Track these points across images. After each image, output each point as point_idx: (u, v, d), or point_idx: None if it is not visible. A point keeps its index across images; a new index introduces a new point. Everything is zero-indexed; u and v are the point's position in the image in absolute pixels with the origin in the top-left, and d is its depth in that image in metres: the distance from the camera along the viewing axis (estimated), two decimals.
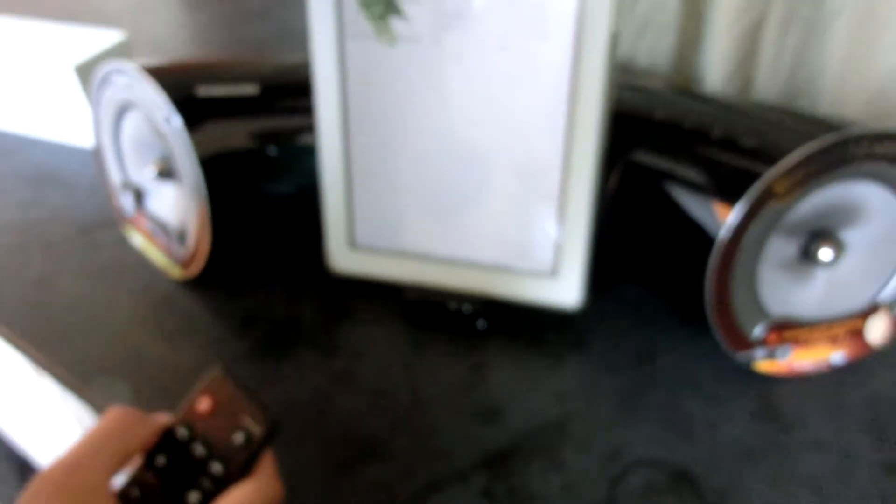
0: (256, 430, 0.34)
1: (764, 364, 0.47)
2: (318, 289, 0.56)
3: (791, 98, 0.80)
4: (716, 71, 0.84)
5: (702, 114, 0.50)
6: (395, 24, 0.45)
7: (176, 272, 0.57)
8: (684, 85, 0.88)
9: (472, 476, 0.43)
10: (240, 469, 0.34)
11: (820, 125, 0.44)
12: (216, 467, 0.34)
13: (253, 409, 0.34)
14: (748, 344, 0.46)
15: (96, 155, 0.61)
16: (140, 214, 0.59)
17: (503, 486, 0.43)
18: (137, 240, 0.61)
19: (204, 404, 0.35)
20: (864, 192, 0.44)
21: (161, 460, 0.34)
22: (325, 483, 0.43)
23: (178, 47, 1.00)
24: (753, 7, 0.77)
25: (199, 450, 0.34)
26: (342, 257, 0.54)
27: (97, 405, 0.50)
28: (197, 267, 0.55)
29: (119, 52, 0.74)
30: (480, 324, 0.52)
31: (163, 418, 0.36)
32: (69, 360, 0.52)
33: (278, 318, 0.55)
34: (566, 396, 0.48)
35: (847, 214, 0.45)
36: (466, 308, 0.52)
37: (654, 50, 0.89)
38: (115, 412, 0.34)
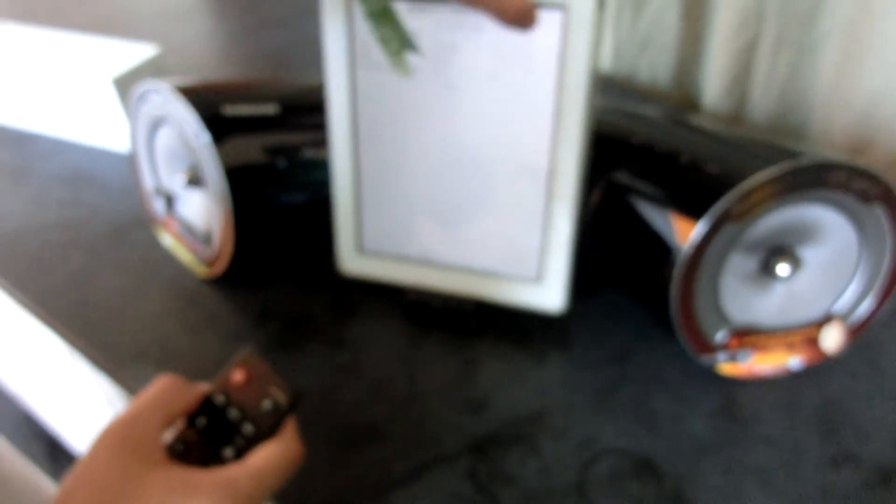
0: (282, 398, 0.40)
1: (726, 367, 0.52)
2: (329, 289, 0.62)
3: (783, 114, 0.84)
4: (713, 87, 0.88)
5: (675, 141, 0.55)
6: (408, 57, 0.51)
7: (201, 270, 0.63)
8: (681, 103, 0.93)
9: (459, 459, 0.49)
10: (268, 431, 0.39)
11: (783, 155, 0.48)
12: (248, 428, 0.39)
13: (280, 382, 0.40)
14: (711, 348, 0.51)
15: (132, 162, 0.67)
16: (170, 217, 0.65)
17: (486, 468, 0.48)
18: (167, 240, 0.67)
19: (238, 376, 0.40)
20: (818, 215, 0.49)
21: (201, 422, 0.40)
22: (331, 461, 0.49)
23: (205, 55, 1.06)
24: (748, 28, 0.81)
25: (233, 413, 0.40)
26: (350, 261, 0.60)
27: (128, 387, 0.56)
28: (221, 266, 0.61)
29: (153, 64, 0.80)
30: (473, 323, 0.57)
31: (203, 387, 0.41)
32: (103, 346, 0.58)
33: (292, 314, 0.60)
34: (547, 391, 0.53)
35: (804, 234, 0.50)
36: (461, 309, 0.57)
37: (655, 66, 0.94)
38: (164, 380, 0.40)
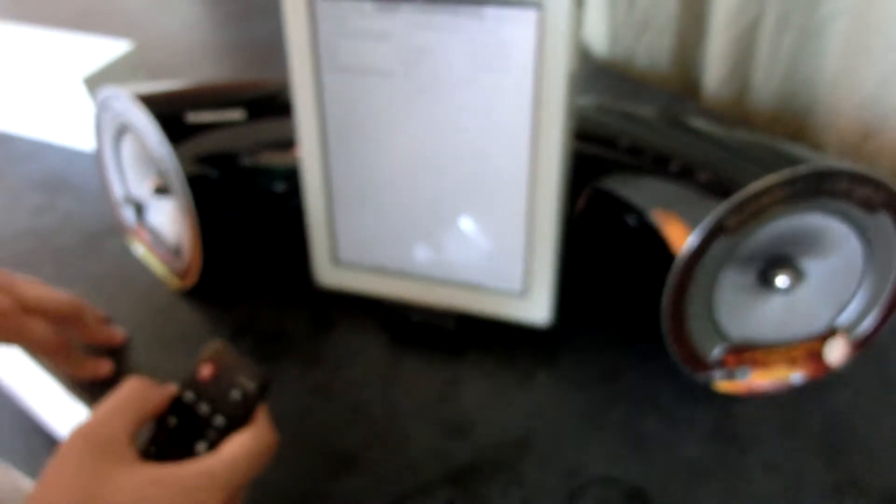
0: (250, 386, 0.39)
1: (723, 384, 0.49)
2: (306, 302, 0.59)
3: (786, 100, 0.80)
4: (713, 71, 0.84)
5: (667, 144, 0.51)
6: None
7: (174, 282, 0.60)
8: (680, 88, 0.89)
9: (438, 490, 0.46)
10: (239, 420, 0.39)
11: (782, 160, 0.44)
12: (219, 420, 0.39)
13: (247, 370, 0.40)
14: (706, 366, 0.48)
15: (99, 169, 0.64)
16: (141, 227, 0.62)
17: (466, 499, 0.45)
18: (139, 250, 0.64)
19: (206, 371, 0.40)
20: (820, 224, 0.45)
21: (172, 421, 0.39)
22: (304, 492, 0.46)
23: (187, 47, 1.02)
24: (749, 9, 0.77)
25: (203, 408, 0.39)
26: (326, 272, 0.57)
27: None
28: (192, 279, 0.58)
29: (127, 61, 0.77)
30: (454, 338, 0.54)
31: (171, 387, 0.40)
32: None
33: (267, 329, 0.57)
34: (533, 413, 0.50)
35: (805, 244, 0.46)
36: (443, 324, 0.54)
37: (653, 50, 0.90)
38: (132, 382, 0.39)
